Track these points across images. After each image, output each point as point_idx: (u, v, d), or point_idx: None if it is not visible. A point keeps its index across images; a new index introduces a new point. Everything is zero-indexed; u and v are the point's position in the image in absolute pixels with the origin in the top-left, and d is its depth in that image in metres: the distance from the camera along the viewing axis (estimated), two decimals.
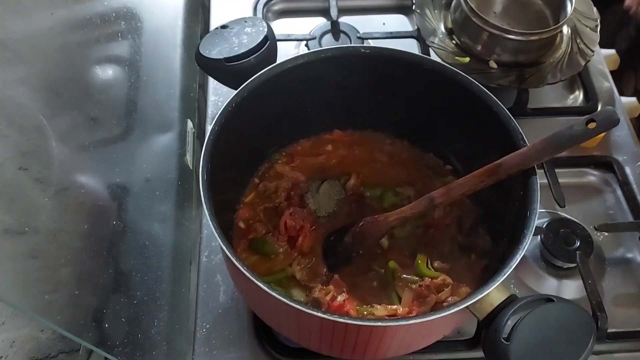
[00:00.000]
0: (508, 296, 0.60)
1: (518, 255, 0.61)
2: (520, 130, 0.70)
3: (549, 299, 0.59)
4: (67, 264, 0.60)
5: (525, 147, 0.68)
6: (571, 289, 0.82)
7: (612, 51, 1.11)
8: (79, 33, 0.69)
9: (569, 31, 1.00)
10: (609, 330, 0.76)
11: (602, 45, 1.03)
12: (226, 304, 0.79)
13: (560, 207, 0.82)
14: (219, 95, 0.98)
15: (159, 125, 0.85)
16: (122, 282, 0.68)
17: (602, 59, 1.07)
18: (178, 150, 0.85)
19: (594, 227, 0.85)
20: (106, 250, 0.67)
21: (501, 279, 0.59)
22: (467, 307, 0.59)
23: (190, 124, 0.89)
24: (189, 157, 0.87)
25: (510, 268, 0.60)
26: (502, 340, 0.56)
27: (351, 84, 0.79)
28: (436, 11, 1.02)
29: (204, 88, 1.00)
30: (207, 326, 0.77)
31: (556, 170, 0.86)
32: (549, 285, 0.82)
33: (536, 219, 0.64)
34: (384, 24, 1.09)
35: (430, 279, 0.71)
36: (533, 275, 0.82)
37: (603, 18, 1.00)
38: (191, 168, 0.87)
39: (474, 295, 0.59)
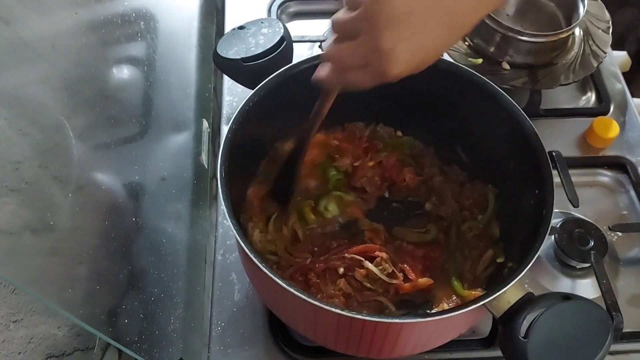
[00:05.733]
0: (525, 294, 0.60)
1: (535, 253, 0.61)
2: (536, 130, 0.70)
3: (566, 297, 0.59)
4: (85, 260, 0.61)
5: None
6: (585, 288, 0.82)
7: (624, 53, 1.11)
8: (100, 33, 0.69)
9: (581, 33, 1.00)
10: (624, 330, 0.76)
11: (612, 47, 1.03)
12: (241, 303, 0.79)
13: (574, 207, 0.82)
14: (233, 96, 0.98)
15: (175, 125, 0.85)
16: (139, 280, 0.69)
17: (614, 61, 1.07)
18: (194, 149, 0.86)
19: (608, 227, 0.85)
20: (123, 247, 0.67)
21: (518, 276, 0.59)
22: (484, 304, 0.59)
23: (205, 123, 0.90)
24: (204, 157, 0.87)
25: (527, 266, 0.60)
26: (520, 337, 0.57)
27: None
28: None
29: (218, 88, 1.01)
30: (222, 324, 0.78)
31: (569, 170, 0.86)
32: (563, 285, 0.82)
33: (552, 218, 0.64)
34: None
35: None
36: (547, 275, 0.82)
37: (613, 20, 1.00)
38: (206, 167, 0.88)
39: (491, 293, 0.59)
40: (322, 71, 0.60)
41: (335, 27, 0.58)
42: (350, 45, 0.55)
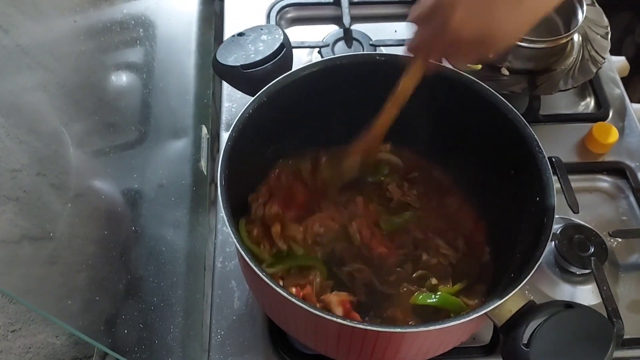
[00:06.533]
0: (526, 302, 0.60)
1: (536, 261, 0.60)
2: (536, 136, 0.70)
3: (568, 305, 0.59)
4: (84, 269, 0.60)
5: None
6: (586, 295, 0.81)
7: (622, 58, 1.11)
8: (98, 40, 0.69)
9: (580, 39, 1.00)
10: (625, 337, 0.75)
11: (610, 52, 1.03)
12: (241, 310, 0.79)
13: (574, 213, 0.82)
14: (232, 102, 0.98)
15: (174, 131, 0.85)
16: (138, 288, 0.69)
17: (613, 66, 1.07)
18: (193, 156, 0.85)
19: (608, 233, 0.85)
20: (122, 256, 0.67)
21: (520, 285, 0.59)
22: (486, 313, 0.59)
23: (204, 130, 0.90)
24: (203, 163, 0.87)
25: (529, 274, 0.60)
26: (522, 346, 0.56)
27: (365, 91, 0.79)
28: None
29: (217, 94, 1.01)
30: (222, 332, 0.77)
31: (569, 176, 0.86)
32: (564, 291, 0.81)
33: (553, 225, 0.64)
34: (395, 31, 1.10)
35: None
36: (547, 281, 0.82)
37: (610, 25, 1.01)
38: (205, 174, 0.88)
39: (493, 302, 0.59)
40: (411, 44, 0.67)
41: (415, 18, 0.65)
42: (429, 26, 0.63)
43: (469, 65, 0.97)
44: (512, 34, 0.61)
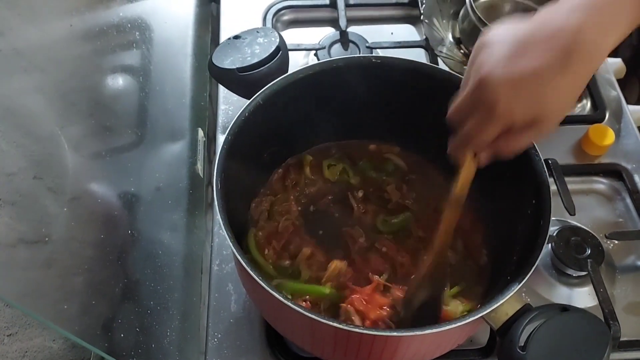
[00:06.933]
0: (523, 305, 0.60)
1: (533, 264, 0.61)
2: None
3: (564, 308, 0.59)
4: (80, 273, 0.60)
5: None
6: (582, 297, 0.81)
7: (619, 60, 1.11)
8: (95, 43, 0.69)
9: None
10: (621, 339, 0.75)
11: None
12: (238, 314, 0.79)
13: (571, 215, 0.82)
14: (229, 104, 0.98)
15: (170, 134, 0.85)
16: (135, 292, 0.68)
17: (609, 68, 1.07)
18: (189, 158, 0.85)
19: (605, 235, 0.85)
20: (119, 259, 0.67)
21: (516, 288, 0.59)
22: (482, 316, 0.59)
23: (201, 132, 0.90)
24: (199, 166, 0.87)
25: (525, 277, 0.60)
26: (518, 350, 0.56)
27: (362, 93, 0.79)
28: (444, 21, 1.02)
29: (213, 97, 1.01)
30: (219, 336, 0.77)
31: (565, 178, 0.86)
32: (560, 294, 0.82)
33: (549, 227, 0.64)
34: (392, 33, 1.10)
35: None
36: (544, 283, 0.82)
37: None
38: (202, 176, 0.87)
39: (489, 305, 0.59)
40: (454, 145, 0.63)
41: (454, 113, 0.61)
42: (473, 119, 0.58)
43: (465, 67, 0.97)
44: (563, 105, 0.55)
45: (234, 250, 0.61)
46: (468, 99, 0.57)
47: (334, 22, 1.10)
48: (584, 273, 0.81)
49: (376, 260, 0.76)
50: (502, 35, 0.56)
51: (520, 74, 0.53)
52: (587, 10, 0.52)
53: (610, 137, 0.95)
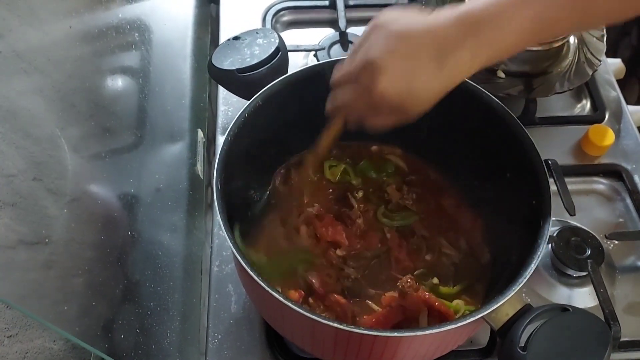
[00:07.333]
0: (523, 305, 0.60)
1: (533, 264, 0.61)
2: (532, 139, 0.70)
3: (564, 309, 0.59)
4: (80, 274, 0.60)
5: None
6: (583, 297, 0.81)
7: (618, 60, 1.11)
8: (94, 44, 0.69)
9: (576, 41, 1.00)
10: (621, 339, 0.75)
11: (605, 54, 1.03)
12: (238, 314, 0.79)
13: (571, 215, 0.82)
14: (228, 105, 0.98)
15: (170, 135, 0.85)
16: (135, 293, 0.68)
17: (609, 68, 1.07)
18: (189, 160, 0.85)
19: (605, 235, 0.85)
20: (119, 260, 0.67)
21: (517, 288, 0.59)
22: (482, 317, 0.59)
23: (200, 133, 0.90)
24: (199, 167, 0.87)
25: (525, 277, 0.60)
26: (519, 350, 0.56)
27: None
28: None
29: (213, 98, 1.01)
30: (219, 337, 0.77)
31: (565, 178, 0.86)
32: (561, 294, 0.82)
33: (549, 228, 0.64)
34: None
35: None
36: (544, 283, 0.82)
37: (605, 28, 1.01)
38: (202, 178, 0.87)
39: (490, 305, 0.59)
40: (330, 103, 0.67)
41: (337, 81, 0.65)
42: (351, 91, 0.63)
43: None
44: (429, 99, 0.60)
45: (234, 251, 0.61)
46: (352, 73, 0.62)
47: (333, 23, 1.10)
48: (584, 273, 0.81)
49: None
50: (394, 24, 0.59)
51: (400, 68, 0.58)
52: (468, 25, 0.57)
53: (610, 137, 0.95)
